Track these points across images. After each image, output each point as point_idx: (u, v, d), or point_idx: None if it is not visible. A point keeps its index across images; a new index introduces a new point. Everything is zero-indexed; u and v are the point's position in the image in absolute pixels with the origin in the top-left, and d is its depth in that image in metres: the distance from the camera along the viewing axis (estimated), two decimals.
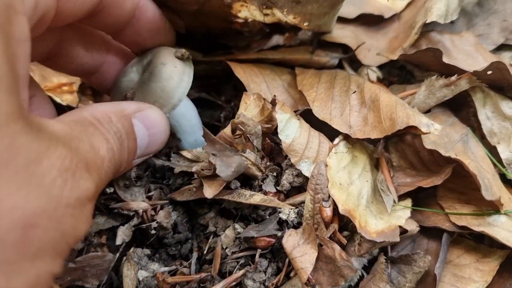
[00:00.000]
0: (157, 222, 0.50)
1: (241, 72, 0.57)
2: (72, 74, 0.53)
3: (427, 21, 0.58)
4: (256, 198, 0.47)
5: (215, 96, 0.67)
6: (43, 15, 0.33)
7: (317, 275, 0.46)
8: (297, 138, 0.50)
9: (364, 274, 0.49)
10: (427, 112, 0.55)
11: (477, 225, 0.48)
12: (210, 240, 0.50)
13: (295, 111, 0.54)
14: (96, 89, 0.67)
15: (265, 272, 0.48)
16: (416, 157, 0.54)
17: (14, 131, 0.25)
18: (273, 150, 0.53)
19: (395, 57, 0.58)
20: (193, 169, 0.49)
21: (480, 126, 0.57)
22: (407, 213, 0.49)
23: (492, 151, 0.56)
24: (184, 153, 0.55)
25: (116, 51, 0.52)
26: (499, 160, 0.55)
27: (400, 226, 0.48)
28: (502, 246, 0.48)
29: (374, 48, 0.64)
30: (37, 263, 0.26)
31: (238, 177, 0.49)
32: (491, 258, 0.50)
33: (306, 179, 0.50)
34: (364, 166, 0.52)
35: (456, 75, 0.53)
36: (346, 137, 0.53)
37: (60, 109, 0.57)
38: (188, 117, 0.54)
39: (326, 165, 0.49)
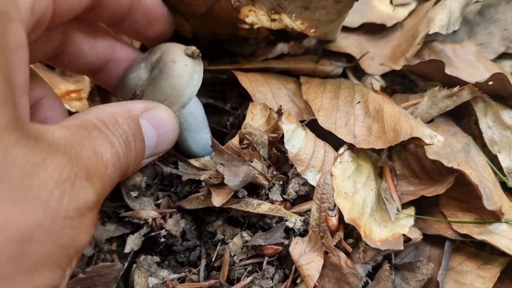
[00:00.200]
0: (166, 230, 0.51)
1: (247, 82, 0.59)
2: (78, 72, 0.52)
3: (430, 32, 0.59)
4: (264, 207, 0.48)
5: (221, 102, 0.68)
6: (40, 18, 0.33)
7: (323, 282, 0.47)
8: (303, 148, 0.51)
9: (369, 281, 0.51)
10: (429, 121, 0.56)
11: (478, 233, 0.49)
12: (218, 248, 0.51)
13: (301, 121, 0.55)
14: (104, 90, 0.67)
15: (272, 278, 0.49)
16: (419, 165, 0.55)
17: (8, 143, 0.24)
18: (280, 159, 0.54)
19: (398, 67, 0.59)
20: (202, 178, 0.50)
21: (482, 135, 0.58)
22: (411, 221, 0.51)
23: (493, 159, 0.57)
24: (192, 161, 0.57)
25: (122, 48, 0.51)
26: (500, 168, 0.56)
27: (403, 235, 0.49)
28: (503, 253, 0.50)
29: (377, 57, 0.66)
30: (34, 277, 0.26)
31: (246, 186, 0.50)
32: (492, 265, 0.51)
33: (312, 188, 0.51)
34: (368, 174, 0.53)
35: (458, 86, 0.54)
36: (351, 146, 0.54)
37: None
38: (196, 115, 0.55)
39: (332, 175, 0.50)
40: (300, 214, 0.51)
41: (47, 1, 0.33)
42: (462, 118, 0.61)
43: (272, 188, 0.52)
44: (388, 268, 0.49)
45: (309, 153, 0.51)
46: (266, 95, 0.58)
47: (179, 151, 0.60)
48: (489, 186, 0.51)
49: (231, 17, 0.58)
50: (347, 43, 0.65)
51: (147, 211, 0.53)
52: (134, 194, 0.54)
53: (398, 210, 0.52)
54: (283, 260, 0.50)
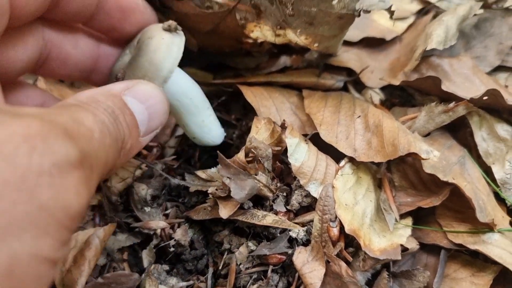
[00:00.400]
0: (175, 240, 0.54)
1: (251, 96, 0.61)
2: (71, 78, 0.50)
3: (427, 49, 0.61)
4: (268, 219, 0.51)
5: (226, 114, 0.70)
6: None
7: None
8: (306, 161, 0.54)
9: None
10: (427, 135, 0.59)
11: (472, 243, 0.52)
12: (225, 256, 0.54)
13: (304, 135, 0.57)
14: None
15: (276, 286, 0.52)
16: (416, 177, 0.57)
17: None
18: (283, 171, 0.56)
19: (397, 82, 0.62)
20: (209, 191, 0.53)
21: (477, 146, 0.60)
22: (408, 231, 0.53)
23: (488, 170, 0.60)
24: (199, 173, 0.59)
25: (108, 42, 0.50)
26: (494, 179, 0.58)
27: (401, 245, 0.51)
28: (495, 262, 0.52)
29: (377, 70, 0.68)
30: (9, 241, 0.22)
31: (251, 198, 0.53)
32: (486, 273, 0.53)
33: (314, 199, 0.53)
34: (368, 186, 0.56)
35: (454, 101, 0.56)
36: (351, 159, 0.56)
37: None
38: (190, 95, 0.52)
39: (333, 187, 0.53)
40: (303, 224, 0.53)
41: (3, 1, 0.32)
42: (458, 130, 0.63)
43: (276, 200, 0.54)
44: (387, 276, 0.52)
45: (311, 166, 0.54)
46: (270, 109, 0.61)
47: (192, 145, 0.60)
48: (483, 197, 0.53)
49: (236, 33, 0.60)
50: (348, 57, 0.67)
51: (156, 221, 0.55)
52: (142, 205, 0.56)
53: (396, 220, 0.55)
54: (287, 268, 0.53)
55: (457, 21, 0.67)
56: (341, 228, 0.51)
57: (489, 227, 0.52)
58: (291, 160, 0.53)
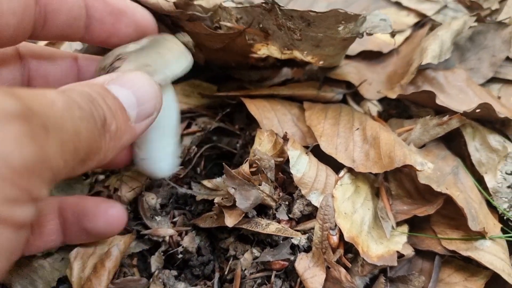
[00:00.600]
0: (183, 247, 0.57)
1: (254, 109, 0.64)
2: None
3: (422, 63, 0.64)
4: (272, 227, 0.54)
5: (230, 125, 0.73)
6: None
7: None
8: (307, 172, 0.57)
9: None
10: (422, 146, 0.62)
11: (465, 249, 0.55)
12: (230, 262, 0.57)
13: (305, 147, 0.60)
14: None
15: None
16: (412, 186, 0.60)
17: None
18: (285, 181, 0.59)
19: (394, 95, 0.65)
20: (215, 200, 0.56)
21: (470, 156, 0.63)
22: (404, 238, 0.56)
23: (480, 179, 0.62)
24: (205, 182, 0.62)
25: (85, 57, 0.50)
26: (486, 188, 0.61)
27: (397, 251, 0.54)
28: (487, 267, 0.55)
29: (375, 82, 0.71)
30: None
31: (255, 207, 0.56)
32: (478, 277, 0.56)
33: (315, 208, 0.56)
34: (366, 195, 0.59)
35: (448, 114, 0.59)
36: (350, 169, 0.59)
37: None
38: (168, 115, 0.49)
39: (333, 196, 0.56)
40: (304, 232, 0.56)
41: None
42: (453, 140, 0.66)
43: (279, 208, 0.57)
44: (384, 281, 0.55)
45: (312, 176, 0.57)
46: (272, 121, 0.64)
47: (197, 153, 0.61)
48: (475, 206, 0.56)
49: (244, 51, 0.63)
50: (347, 71, 0.70)
51: (164, 229, 0.58)
52: (151, 213, 0.59)
53: (393, 227, 0.57)
54: (289, 274, 0.56)
55: (451, 36, 0.69)
56: (341, 235, 0.54)
57: (481, 235, 0.55)
58: (293, 171, 0.56)
